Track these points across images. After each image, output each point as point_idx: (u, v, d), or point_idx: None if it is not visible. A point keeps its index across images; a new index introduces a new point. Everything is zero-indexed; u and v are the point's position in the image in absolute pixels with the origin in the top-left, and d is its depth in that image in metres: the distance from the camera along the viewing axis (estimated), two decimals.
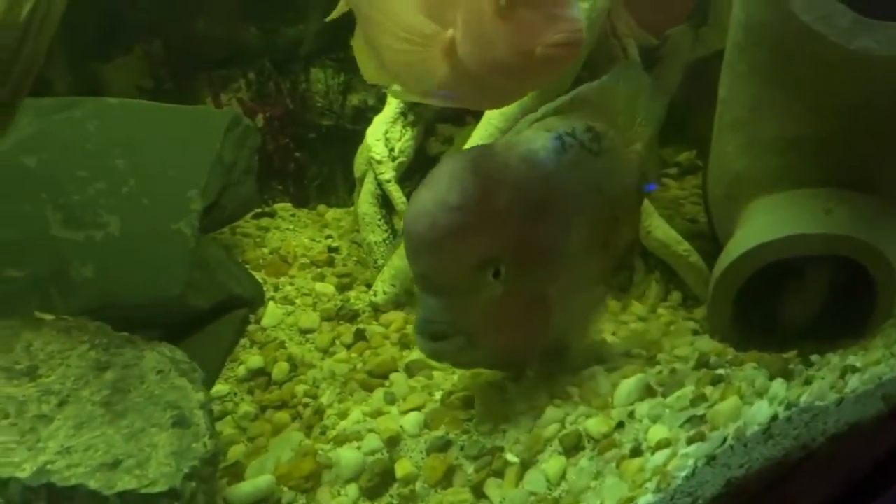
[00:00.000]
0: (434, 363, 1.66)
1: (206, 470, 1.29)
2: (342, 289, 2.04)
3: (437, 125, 2.29)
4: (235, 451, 1.57)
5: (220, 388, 1.75)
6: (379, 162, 2.03)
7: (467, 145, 1.90)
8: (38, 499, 1.17)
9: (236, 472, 1.49)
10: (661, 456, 1.28)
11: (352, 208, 2.22)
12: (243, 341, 1.87)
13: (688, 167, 2.39)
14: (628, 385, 1.46)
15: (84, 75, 2.30)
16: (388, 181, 2.05)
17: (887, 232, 1.59)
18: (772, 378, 1.42)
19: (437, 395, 1.62)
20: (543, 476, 1.34)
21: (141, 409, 1.33)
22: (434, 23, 1.29)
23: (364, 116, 2.27)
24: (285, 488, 1.43)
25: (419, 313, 1.43)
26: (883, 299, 1.58)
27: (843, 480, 1.11)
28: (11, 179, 1.79)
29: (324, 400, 1.68)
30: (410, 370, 1.72)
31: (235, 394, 1.74)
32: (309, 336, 1.89)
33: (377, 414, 1.59)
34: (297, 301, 1.98)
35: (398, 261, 1.96)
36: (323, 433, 1.58)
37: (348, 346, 1.85)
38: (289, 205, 2.39)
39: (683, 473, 1.15)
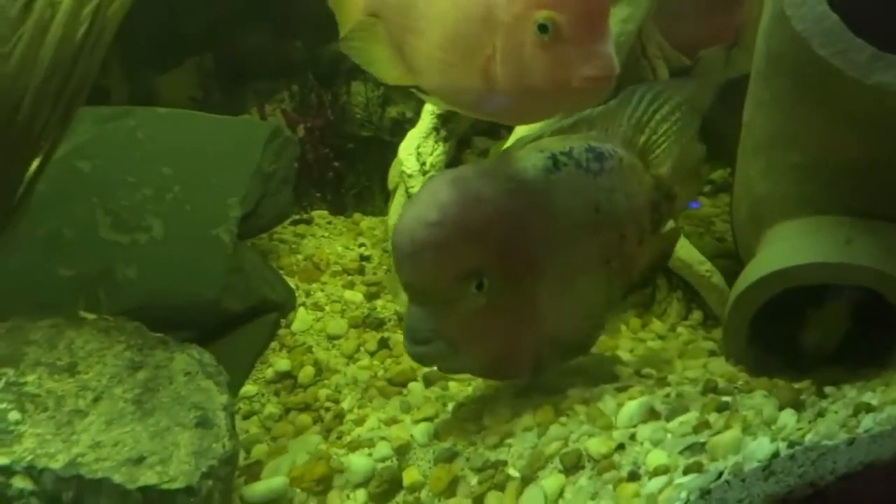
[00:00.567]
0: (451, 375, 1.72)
1: (224, 469, 1.34)
2: (370, 297, 2.08)
3: (473, 138, 2.35)
4: (258, 450, 1.62)
5: (248, 388, 1.81)
6: (410, 176, 2.07)
7: None
8: (68, 489, 1.23)
9: (254, 472, 1.54)
10: (656, 482, 1.26)
11: (386, 217, 2.27)
12: (273, 344, 1.92)
13: (721, 185, 2.38)
14: (632, 407, 1.44)
15: (140, 85, 2.41)
16: None
17: None
18: (781, 408, 1.37)
19: (450, 406, 1.65)
20: (542, 493, 1.34)
21: (168, 409, 1.39)
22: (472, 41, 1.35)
23: (401, 128, 2.31)
24: (298, 490, 1.47)
25: (406, 320, 1.51)
26: None
27: None
28: (67, 183, 1.84)
29: (345, 405, 1.73)
30: (428, 380, 1.76)
31: (262, 395, 1.80)
32: (335, 342, 1.94)
33: (392, 422, 1.62)
34: (327, 308, 2.03)
35: None
36: (339, 438, 1.62)
37: (372, 354, 1.90)
38: (326, 212, 2.44)
39: None
